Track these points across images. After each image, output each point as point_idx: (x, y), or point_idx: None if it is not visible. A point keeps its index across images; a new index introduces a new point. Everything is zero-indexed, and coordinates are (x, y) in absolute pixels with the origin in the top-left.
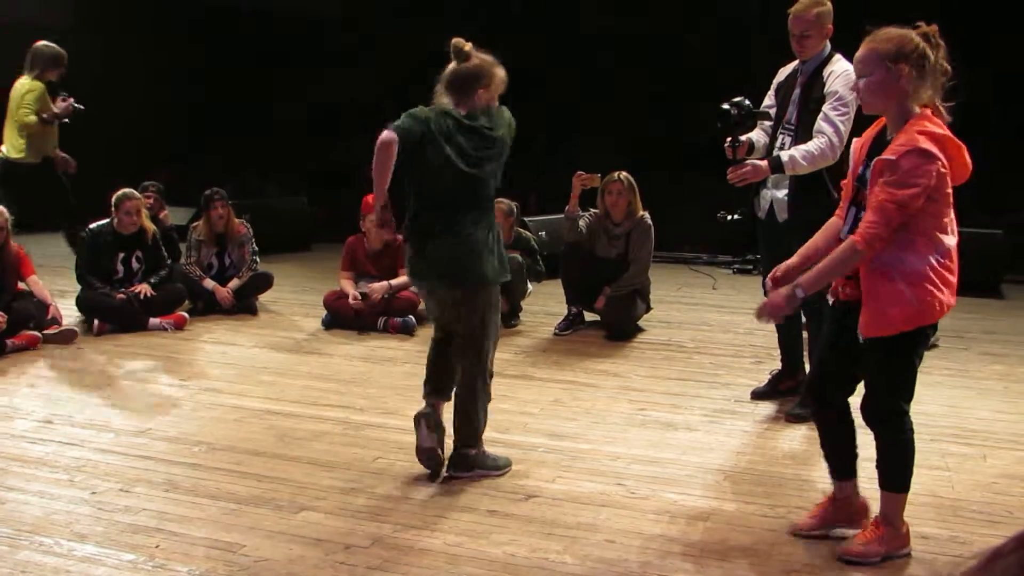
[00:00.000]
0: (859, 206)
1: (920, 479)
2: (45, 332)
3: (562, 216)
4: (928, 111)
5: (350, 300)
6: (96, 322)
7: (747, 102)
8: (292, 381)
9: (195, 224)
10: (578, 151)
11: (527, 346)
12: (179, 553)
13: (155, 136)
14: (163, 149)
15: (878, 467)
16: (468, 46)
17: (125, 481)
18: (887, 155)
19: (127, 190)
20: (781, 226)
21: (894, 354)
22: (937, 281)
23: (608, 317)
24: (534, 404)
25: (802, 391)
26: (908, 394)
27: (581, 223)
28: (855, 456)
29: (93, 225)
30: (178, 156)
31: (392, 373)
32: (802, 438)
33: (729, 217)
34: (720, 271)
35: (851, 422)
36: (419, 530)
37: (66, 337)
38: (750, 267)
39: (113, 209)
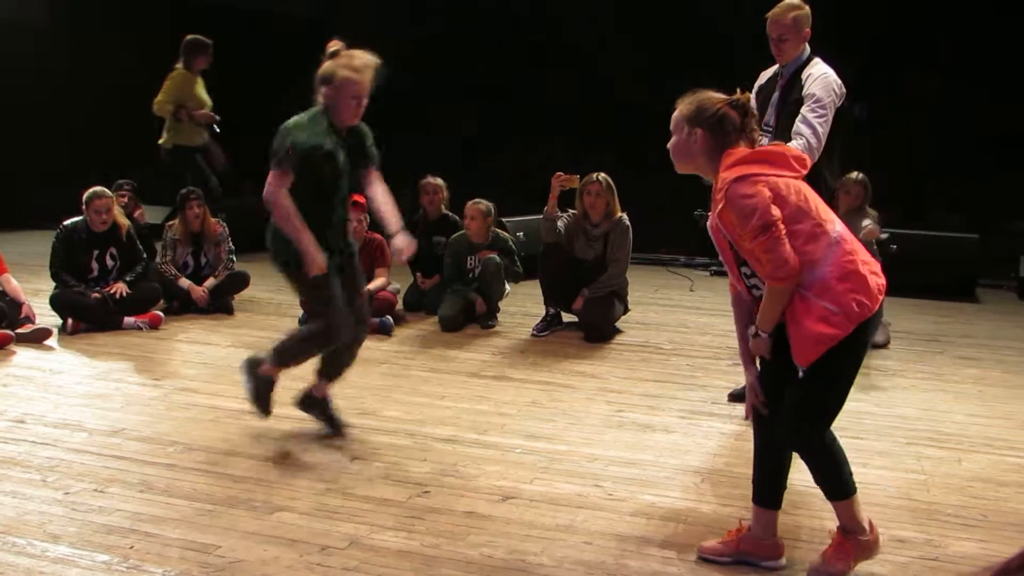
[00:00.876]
0: (740, 262)
1: (895, 482)
2: (18, 331)
3: (540, 217)
4: (733, 150)
5: None
6: (70, 321)
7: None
8: None
9: (171, 223)
10: (555, 151)
11: (504, 347)
12: (154, 554)
13: (129, 134)
14: (138, 147)
15: (816, 483)
16: (337, 47)
17: (99, 481)
18: (716, 221)
19: (97, 188)
20: None
21: (826, 375)
22: (845, 275)
23: (586, 318)
24: (511, 405)
25: None
26: (836, 413)
27: (560, 224)
28: (784, 486)
29: (67, 222)
30: (153, 154)
31: (369, 374)
32: None
33: (708, 215)
34: (697, 273)
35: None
36: (396, 531)
37: (39, 336)
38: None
39: (84, 207)
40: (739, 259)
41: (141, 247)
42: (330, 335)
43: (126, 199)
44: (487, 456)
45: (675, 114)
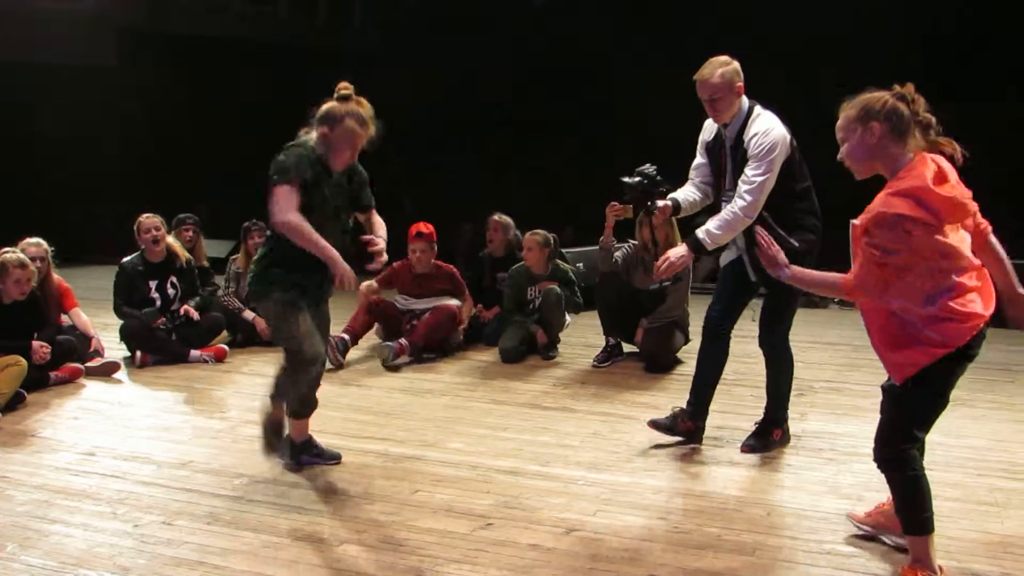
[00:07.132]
0: None
1: (968, 514)
2: (88, 364)
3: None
4: (922, 155)
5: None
6: (138, 354)
7: (652, 169)
8: (333, 413)
9: (234, 256)
10: (612, 183)
11: (566, 378)
12: None
13: (193, 170)
14: (202, 183)
15: (896, 511)
16: (347, 91)
17: (167, 514)
18: (858, 221)
19: (145, 214)
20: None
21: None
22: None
23: (647, 349)
24: (574, 436)
25: (758, 425)
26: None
27: (616, 254)
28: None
29: (124, 260)
30: (217, 189)
31: (431, 405)
32: (847, 472)
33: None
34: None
35: None
36: (460, 564)
37: (108, 369)
38: None
39: (136, 236)
40: None
41: (198, 278)
42: (307, 362)
43: (190, 233)
44: (550, 488)
45: (840, 123)
